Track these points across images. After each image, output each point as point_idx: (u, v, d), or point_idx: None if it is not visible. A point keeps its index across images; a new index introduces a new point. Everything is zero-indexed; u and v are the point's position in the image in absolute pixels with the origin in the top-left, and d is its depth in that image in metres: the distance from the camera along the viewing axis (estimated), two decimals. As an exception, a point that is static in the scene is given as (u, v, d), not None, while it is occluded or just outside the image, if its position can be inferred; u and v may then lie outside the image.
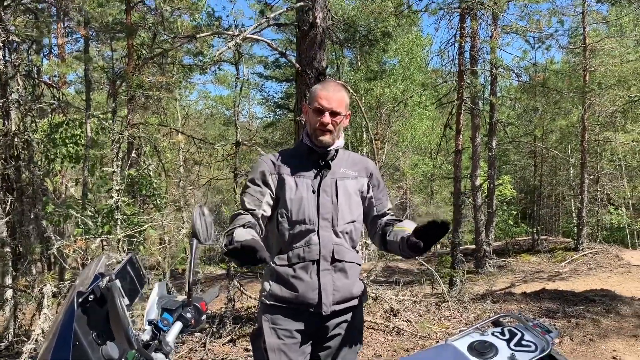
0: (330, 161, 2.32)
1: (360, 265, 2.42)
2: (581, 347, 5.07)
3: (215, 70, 12.02)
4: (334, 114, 2.24)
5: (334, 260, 2.26)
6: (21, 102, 5.41)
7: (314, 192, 2.27)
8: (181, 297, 1.91)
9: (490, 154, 14.34)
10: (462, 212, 11.16)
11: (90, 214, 5.16)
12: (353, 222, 2.33)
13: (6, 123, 5.36)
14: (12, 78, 5.30)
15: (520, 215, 26.08)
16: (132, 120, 6.86)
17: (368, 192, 2.41)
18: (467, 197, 12.77)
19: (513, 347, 2.18)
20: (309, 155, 2.33)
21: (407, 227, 2.19)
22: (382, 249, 2.43)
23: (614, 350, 4.99)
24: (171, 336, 1.74)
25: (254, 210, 2.27)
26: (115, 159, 4.67)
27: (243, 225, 2.15)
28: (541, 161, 21.51)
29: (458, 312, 6.14)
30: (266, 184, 2.31)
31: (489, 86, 14.10)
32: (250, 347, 4.99)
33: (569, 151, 21.15)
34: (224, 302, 5.47)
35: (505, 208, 18.95)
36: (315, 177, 2.30)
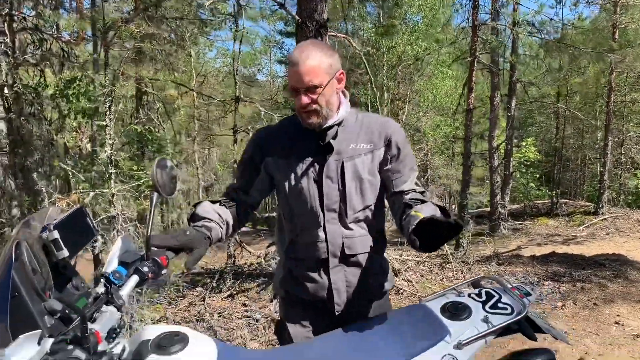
0: (332, 139, 1.93)
1: (380, 250, 2.10)
2: (584, 312, 4.98)
3: (230, 25, 11.79)
4: (310, 89, 1.82)
5: (345, 255, 1.99)
6: (9, 53, 5.37)
7: (315, 181, 1.94)
8: (142, 252, 1.88)
9: (509, 114, 13.99)
10: (471, 174, 10.96)
11: (96, 169, 5.19)
12: (367, 207, 1.99)
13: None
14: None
15: (544, 178, 25.67)
16: (137, 74, 6.80)
17: (385, 164, 1.98)
18: (483, 158, 12.56)
19: (488, 309, 2.10)
20: (309, 133, 1.95)
21: (423, 213, 1.78)
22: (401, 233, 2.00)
23: (618, 315, 4.90)
24: (126, 290, 1.70)
25: (237, 192, 2.07)
26: (107, 112, 4.63)
27: (219, 202, 2.03)
28: (564, 123, 20.97)
29: (461, 273, 6.08)
30: (255, 168, 2.04)
31: (510, 43, 13.62)
32: (247, 302, 5.05)
33: (596, 113, 20.51)
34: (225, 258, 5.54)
35: (524, 171, 18.62)
36: (316, 161, 1.94)
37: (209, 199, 2.05)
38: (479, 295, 2.20)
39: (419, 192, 1.99)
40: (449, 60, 21.23)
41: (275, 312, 4.60)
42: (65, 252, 1.48)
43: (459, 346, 1.91)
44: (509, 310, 2.09)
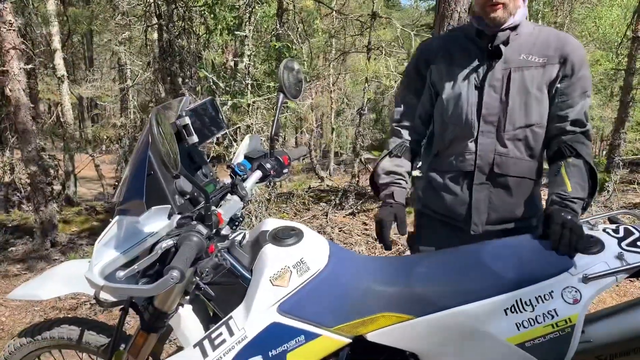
0: (503, 46, 1.82)
1: (535, 179, 1.95)
2: None
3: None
4: None
5: (493, 174, 1.88)
6: None
7: (476, 88, 1.85)
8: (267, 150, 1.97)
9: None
10: (629, 112, 9.74)
11: (236, 81, 5.45)
12: (530, 126, 1.85)
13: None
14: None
15: None
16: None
17: (556, 83, 1.83)
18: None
19: (624, 247, 1.91)
20: (477, 40, 1.88)
21: (568, 182, 1.73)
22: None
23: None
24: (249, 182, 1.81)
25: (407, 125, 2.07)
26: (247, 23, 4.75)
27: (390, 153, 2.05)
28: None
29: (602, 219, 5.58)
30: (420, 76, 2.00)
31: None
32: (367, 221, 5.14)
33: None
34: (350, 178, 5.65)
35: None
36: (481, 67, 1.85)
37: (382, 155, 2.07)
38: (615, 231, 2.00)
39: (579, 133, 1.84)
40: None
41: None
42: (195, 138, 1.59)
43: (584, 280, 1.77)
44: (649, 251, 1.88)
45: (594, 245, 1.93)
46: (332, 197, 5.53)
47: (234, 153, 1.99)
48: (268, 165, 1.85)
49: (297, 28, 8.97)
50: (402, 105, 2.08)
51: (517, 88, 1.81)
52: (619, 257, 1.87)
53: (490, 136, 1.86)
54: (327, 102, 15.18)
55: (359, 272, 1.74)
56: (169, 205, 1.46)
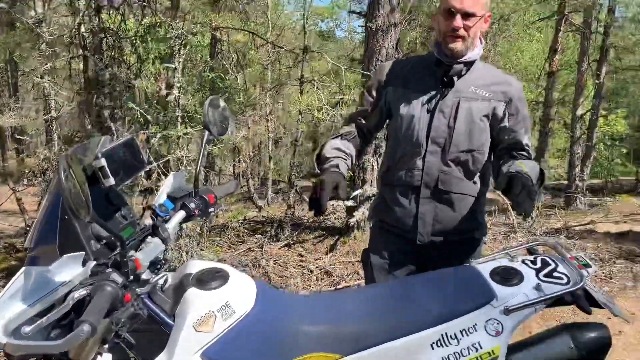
0: (456, 78, 2.01)
1: (476, 197, 2.13)
2: (656, 295, 4.68)
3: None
4: (466, 15, 1.90)
5: (437, 190, 2.06)
6: None
7: (428, 112, 2.02)
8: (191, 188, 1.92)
9: (597, 81, 13.01)
10: (549, 142, 10.37)
11: (174, 111, 5.34)
12: (471, 151, 2.05)
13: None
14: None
15: (632, 154, 24.06)
16: (214, 24, 6.85)
17: (502, 121, 2.05)
18: (565, 127, 11.86)
19: (542, 277, 1.99)
20: (435, 68, 2.04)
21: (526, 167, 1.86)
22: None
23: (693, 303, 4.56)
24: (172, 224, 1.75)
25: (359, 121, 2.22)
26: (177, 55, 4.73)
27: (341, 136, 2.19)
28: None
29: (520, 251, 5.83)
30: (379, 94, 2.16)
31: (606, 3, 12.51)
32: (303, 252, 5.14)
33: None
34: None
35: (609, 144, 17.44)
36: (434, 94, 2.03)
37: (333, 136, 2.24)
38: (533, 262, 2.08)
39: (526, 154, 2.06)
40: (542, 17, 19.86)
41: (330, 265, 4.66)
42: (111, 180, 1.52)
43: (505, 312, 1.83)
44: (565, 280, 1.96)
45: (513, 277, 1.99)
46: (268, 229, 5.49)
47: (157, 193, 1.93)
48: (192, 205, 1.80)
49: (232, 58, 8.99)
50: (358, 109, 2.25)
51: (464, 116, 2.00)
52: (537, 288, 1.94)
53: (436, 156, 2.04)
54: (265, 130, 15.20)
55: (287, 312, 1.71)
56: (83, 253, 1.39)
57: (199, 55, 9.47)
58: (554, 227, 6.81)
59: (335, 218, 5.73)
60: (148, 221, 1.76)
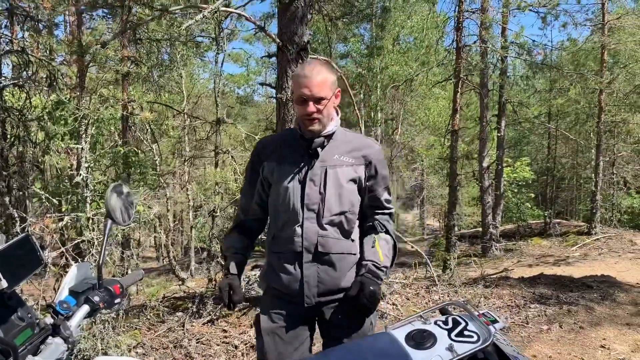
0: (320, 149, 2.22)
1: (355, 254, 2.31)
2: (570, 335, 4.91)
3: (216, 48, 11.80)
4: (317, 100, 2.12)
5: (317, 253, 2.21)
6: None
7: (299, 182, 2.21)
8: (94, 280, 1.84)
9: (499, 134, 14.03)
10: (457, 195, 10.93)
11: (82, 192, 5.14)
12: (343, 213, 2.24)
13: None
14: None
15: (540, 198, 25.66)
16: (125, 98, 6.77)
17: (366, 182, 2.29)
18: (475, 178, 12.56)
19: (453, 337, 2.06)
20: (299, 143, 2.25)
21: (380, 253, 2.25)
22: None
23: (604, 339, 4.83)
24: (75, 321, 1.66)
25: (247, 212, 2.41)
26: (84, 135, 4.60)
27: (235, 227, 2.42)
28: (555, 143, 21.03)
29: (448, 296, 6.01)
30: (255, 172, 2.33)
31: (499, 64, 13.71)
32: (227, 327, 4.97)
33: (590, 133, 20.55)
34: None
35: (516, 191, 18.61)
36: (303, 165, 2.22)
37: (229, 230, 2.48)
38: (445, 322, 2.16)
39: (387, 214, 2.39)
40: (440, 80, 21.36)
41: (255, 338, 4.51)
42: (4, 284, 1.43)
43: (421, 376, 1.86)
44: (475, 338, 2.04)
45: (427, 340, 2.05)
46: (189, 305, 5.27)
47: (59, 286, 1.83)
48: (97, 298, 1.73)
49: (146, 130, 8.87)
50: (242, 194, 2.45)
51: (332, 182, 2.21)
52: (450, 348, 2.00)
53: (312, 221, 2.20)
54: (185, 198, 14.90)
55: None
56: None
57: (111, 127, 9.28)
58: (471, 277, 7.06)
59: (258, 287, 5.62)
60: (48, 320, 1.66)
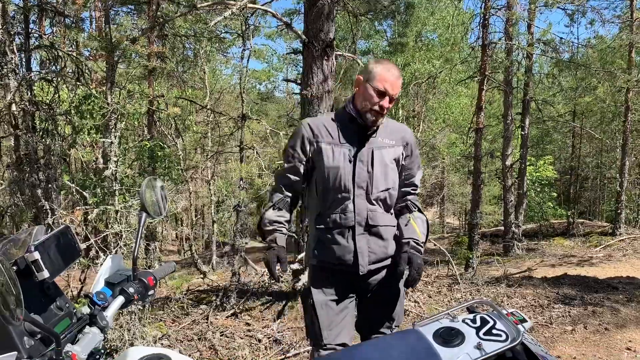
0: (370, 135, 2.43)
1: (394, 226, 2.53)
2: (594, 336, 4.85)
3: (247, 42, 11.86)
4: (392, 99, 2.35)
5: (368, 226, 2.42)
6: (17, 71, 5.48)
7: (350, 162, 2.39)
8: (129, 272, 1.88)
9: (522, 133, 13.85)
10: (481, 193, 10.82)
11: (106, 185, 5.22)
12: (387, 189, 2.46)
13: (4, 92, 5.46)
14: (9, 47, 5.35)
15: (562, 197, 25.29)
16: (152, 93, 6.86)
17: (403, 160, 2.52)
18: (497, 177, 12.44)
19: (482, 336, 2.05)
20: (350, 124, 2.43)
21: (418, 230, 2.49)
22: None
23: (630, 341, 4.76)
24: (111, 311, 1.70)
25: (288, 188, 2.54)
26: (113, 129, 4.69)
27: (274, 205, 2.51)
28: (580, 141, 20.67)
29: (470, 294, 5.98)
30: (303, 152, 2.47)
31: (524, 62, 13.52)
32: (250, 321, 5.02)
33: (615, 133, 20.17)
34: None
35: (539, 190, 18.36)
36: (353, 146, 2.41)
37: (267, 207, 2.57)
38: (473, 320, 2.15)
39: (415, 194, 2.63)
40: (464, 77, 21.14)
41: (278, 333, 4.57)
42: (45, 273, 1.47)
43: (450, 373, 1.86)
44: (503, 337, 2.04)
45: (455, 338, 2.05)
46: (213, 298, 5.33)
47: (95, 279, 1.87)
48: (131, 290, 1.76)
49: (170, 125, 8.97)
50: (286, 167, 2.54)
51: (378, 162, 2.41)
52: (478, 346, 2.00)
53: (362, 197, 2.41)
54: (207, 193, 15.01)
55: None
56: (15, 352, 1.32)
57: (135, 122, 9.40)
58: (494, 276, 7.00)
59: (282, 281, 5.66)
60: (84, 310, 1.70)
